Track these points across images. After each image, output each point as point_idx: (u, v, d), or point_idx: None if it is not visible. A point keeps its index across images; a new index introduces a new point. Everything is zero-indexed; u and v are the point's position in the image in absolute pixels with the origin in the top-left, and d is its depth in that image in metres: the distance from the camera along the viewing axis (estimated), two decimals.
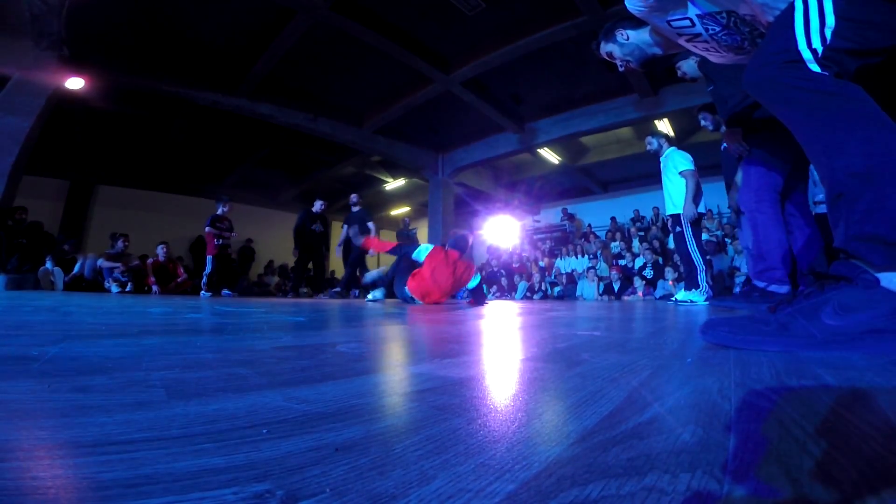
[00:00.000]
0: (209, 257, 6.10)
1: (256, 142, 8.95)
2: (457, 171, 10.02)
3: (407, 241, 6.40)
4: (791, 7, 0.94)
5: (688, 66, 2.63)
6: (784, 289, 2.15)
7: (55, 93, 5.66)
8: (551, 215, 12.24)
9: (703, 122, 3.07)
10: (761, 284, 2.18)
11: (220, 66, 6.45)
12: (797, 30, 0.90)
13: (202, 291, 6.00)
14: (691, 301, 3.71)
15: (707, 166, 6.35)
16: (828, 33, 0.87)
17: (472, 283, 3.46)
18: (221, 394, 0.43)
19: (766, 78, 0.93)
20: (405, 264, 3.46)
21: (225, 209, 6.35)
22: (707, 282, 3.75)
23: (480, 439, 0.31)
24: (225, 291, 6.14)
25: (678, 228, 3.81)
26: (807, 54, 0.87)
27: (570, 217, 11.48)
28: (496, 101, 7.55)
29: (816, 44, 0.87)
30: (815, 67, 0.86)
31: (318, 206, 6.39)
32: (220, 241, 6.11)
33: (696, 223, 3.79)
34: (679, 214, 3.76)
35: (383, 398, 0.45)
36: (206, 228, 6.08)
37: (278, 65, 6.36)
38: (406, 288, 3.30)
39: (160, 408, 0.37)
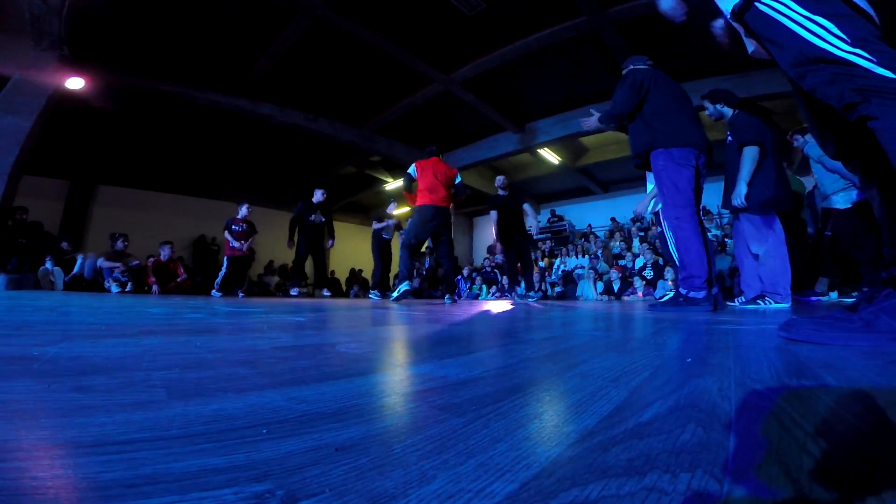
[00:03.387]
0: (225, 258, 6.14)
1: (256, 142, 8.95)
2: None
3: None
4: (767, 18, 1.00)
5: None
6: (701, 294, 2.32)
7: (55, 93, 5.67)
8: (550, 215, 12.26)
9: (707, 112, 3.08)
10: (683, 291, 2.38)
11: (221, 66, 6.45)
12: (804, 35, 0.93)
13: (213, 291, 5.98)
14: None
15: None
16: (837, 31, 0.89)
17: (458, 179, 4.26)
18: (221, 394, 0.43)
19: (836, 90, 0.92)
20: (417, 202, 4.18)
21: (246, 213, 6.39)
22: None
23: (480, 439, 0.31)
24: (238, 292, 6.16)
25: (659, 229, 3.90)
26: (862, 62, 0.87)
27: (559, 218, 11.50)
28: (496, 101, 7.56)
29: (845, 46, 0.88)
30: (881, 70, 0.85)
31: (318, 195, 6.20)
32: (235, 243, 6.17)
33: None
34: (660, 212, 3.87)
35: (383, 398, 0.45)
36: (224, 231, 6.24)
37: (278, 65, 6.36)
38: (419, 206, 4.08)
39: (160, 408, 0.37)
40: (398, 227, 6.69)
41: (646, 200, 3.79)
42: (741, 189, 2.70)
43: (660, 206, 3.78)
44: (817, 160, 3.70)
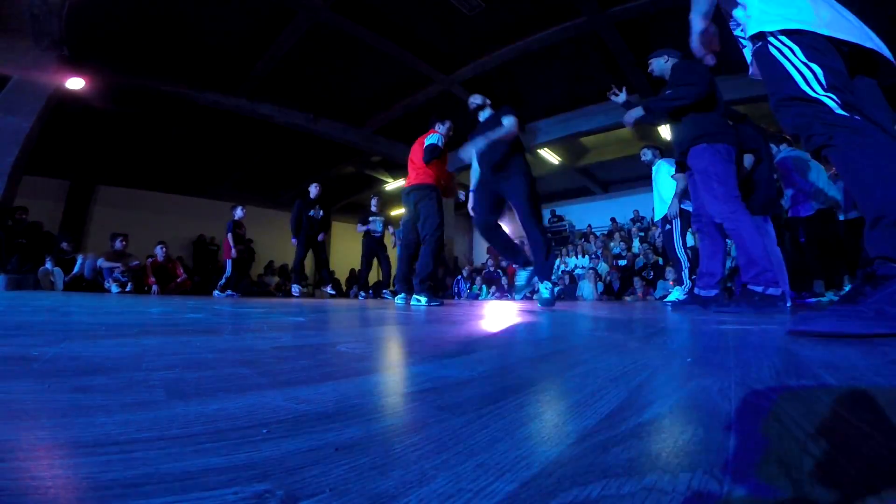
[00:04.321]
0: (228, 261, 6.24)
1: (256, 142, 8.95)
2: (457, 171, 10.01)
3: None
4: (772, 57, 1.16)
5: (656, 65, 2.68)
6: (779, 290, 2.17)
7: (55, 93, 5.67)
8: (550, 216, 12.25)
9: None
10: (759, 289, 2.20)
11: (221, 66, 6.45)
12: (797, 78, 1.10)
13: (216, 291, 6.09)
14: (677, 299, 3.74)
15: None
16: (822, 79, 1.07)
17: (428, 140, 3.59)
18: (221, 394, 0.43)
19: (805, 122, 1.10)
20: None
21: (242, 214, 6.49)
22: (690, 279, 3.80)
23: (480, 439, 0.31)
24: (228, 292, 6.13)
25: (668, 226, 3.90)
26: (829, 102, 1.05)
27: (560, 218, 11.49)
28: (496, 101, 7.53)
29: (819, 89, 1.06)
30: (841, 111, 1.04)
31: (314, 190, 6.17)
32: (242, 246, 6.32)
33: (687, 221, 3.85)
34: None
35: (383, 398, 0.45)
36: (227, 234, 6.26)
37: (279, 65, 6.36)
38: None
39: (160, 408, 0.37)
40: (387, 223, 6.62)
41: (675, 202, 3.76)
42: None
43: (683, 205, 3.75)
44: (784, 173, 3.82)
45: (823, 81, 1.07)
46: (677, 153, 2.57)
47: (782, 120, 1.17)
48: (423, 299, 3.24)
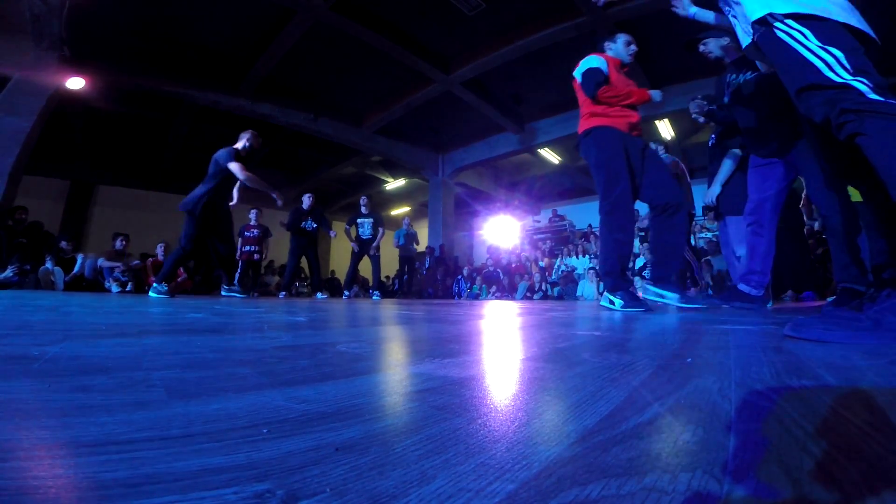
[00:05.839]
0: (239, 262, 6.37)
1: None
2: (457, 171, 10.02)
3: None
4: (782, 43, 1.08)
5: (714, 45, 2.45)
6: (863, 287, 2.03)
7: (56, 93, 5.67)
8: (551, 215, 12.26)
9: (693, 113, 2.98)
10: (861, 288, 2.06)
11: (221, 66, 6.46)
12: (817, 65, 1.02)
13: (222, 288, 6.14)
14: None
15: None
16: (846, 63, 1.00)
17: (582, 66, 2.44)
18: (222, 393, 0.43)
19: (834, 110, 1.01)
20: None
21: (252, 216, 6.57)
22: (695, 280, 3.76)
23: (480, 439, 0.31)
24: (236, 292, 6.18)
25: (715, 224, 3.89)
26: (860, 86, 0.98)
27: (561, 218, 11.50)
28: (496, 101, 7.55)
29: (846, 75, 0.99)
30: (874, 96, 0.97)
31: (306, 201, 6.22)
32: (248, 247, 6.39)
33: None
34: None
35: (383, 398, 0.45)
36: (238, 238, 6.36)
37: (279, 65, 6.36)
38: None
39: (161, 407, 0.37)
40: (378, 224, 6.57)
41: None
42: (715, 189, 2.76)
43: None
44: None
45: (848, 65, 0.99)
46: (781, 151, 2.31)
47: (808, 110, 1.07)
48: (618, 302, 2.34)
